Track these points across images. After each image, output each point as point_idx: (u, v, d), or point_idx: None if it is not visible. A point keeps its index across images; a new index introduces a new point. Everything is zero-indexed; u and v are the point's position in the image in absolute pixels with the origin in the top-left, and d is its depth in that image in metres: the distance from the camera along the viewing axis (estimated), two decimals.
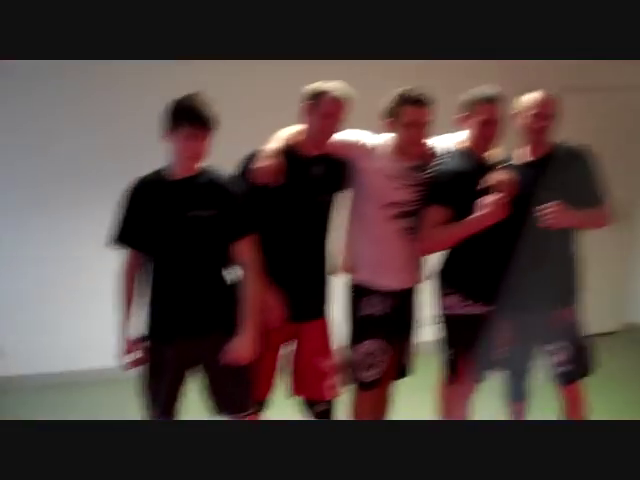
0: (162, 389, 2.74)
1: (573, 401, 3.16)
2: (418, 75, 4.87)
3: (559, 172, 3.08)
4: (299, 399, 3.07)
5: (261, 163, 2.84)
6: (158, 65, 4.51)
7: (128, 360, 2.79)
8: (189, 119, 2.63)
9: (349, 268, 3.13)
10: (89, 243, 4.60)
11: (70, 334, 4.75)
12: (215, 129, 2.68)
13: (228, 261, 2.82)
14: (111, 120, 4.88)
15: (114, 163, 4.79)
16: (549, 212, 2.93)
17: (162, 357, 2.73)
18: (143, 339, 2.78)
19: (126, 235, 2.79)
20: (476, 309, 3.05)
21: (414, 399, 3.58)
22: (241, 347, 2.72)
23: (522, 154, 3.20)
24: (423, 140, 2.98)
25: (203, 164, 2.76)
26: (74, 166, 4.80)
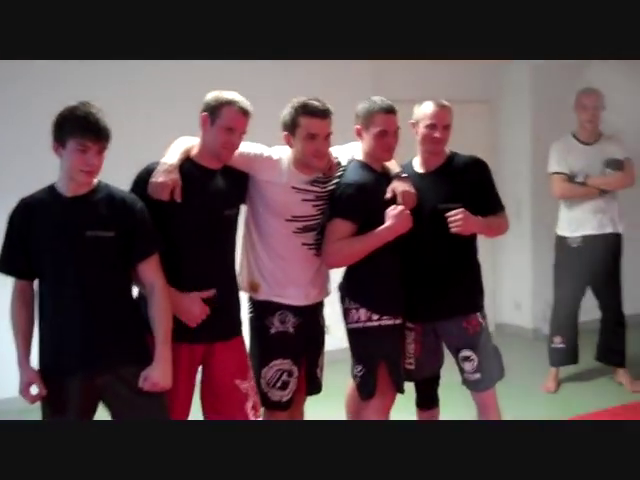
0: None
1: (485, 407, 3.18)
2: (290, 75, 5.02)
3: (458, 181, 3.12)
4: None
5: (158, 178, 2.66)
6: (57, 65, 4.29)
7: (30, 394, 2.52)
8: (81, 130, 2.41)
9: (251, 285, 3.01)
10: None
11: None
12: (109, 140, 2.49)
13: (130, 282, 2.63)
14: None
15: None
16: (456, 219, 2.95)
17: (64, 392, 2.48)
18: (43, 373, 2.52)
19: (12, 263, 2.54)
20: (383, 322, 3.00)
21: (324, 411, 3.50)
22: (158, 375, 2.51)
23: (420, 164, 3.22)
24: (325, 152, 2.90)
25: (97, 179, 2.56)
26: None
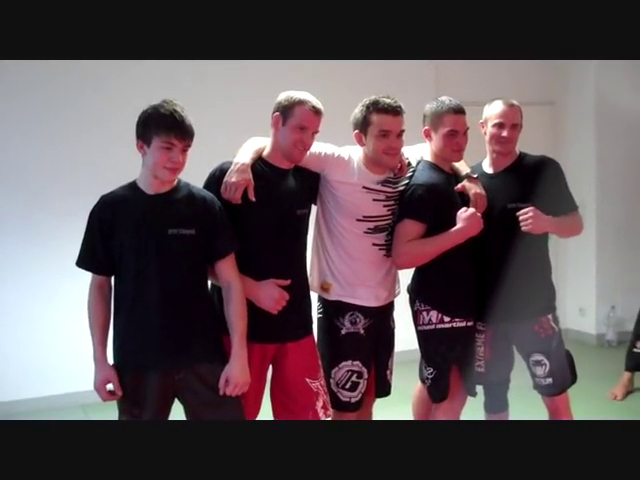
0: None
1: (557, 412, 3.12)
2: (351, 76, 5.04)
3: (528, 181, 3.06)
4: None
5: (232, 178, 2.67)
6: (127, 73, 4.39)
7: (105, 391, 2.53)
8: (166, 128, 2.43)
9: (322, 285, 2.99)
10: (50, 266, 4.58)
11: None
12: (193, 138, 2.50)
13: (207, 280, 2.66)
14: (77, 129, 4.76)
15: (81, 176, 4.70)
16: (527, 217, 2.90)
17: (141, 387, 2.50)
18: (120, 368, 2.54)
19: (92, 259, 2.56)
20: (454, 324, 2.97)
21: (393, 414, 3.45)
22: (238, 373, 2.52)
23: (489, 164, 3.18)
24: (397, 149, 2.88)
25: (178, 177, 2.58)
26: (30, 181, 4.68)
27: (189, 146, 2.50)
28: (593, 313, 6.07)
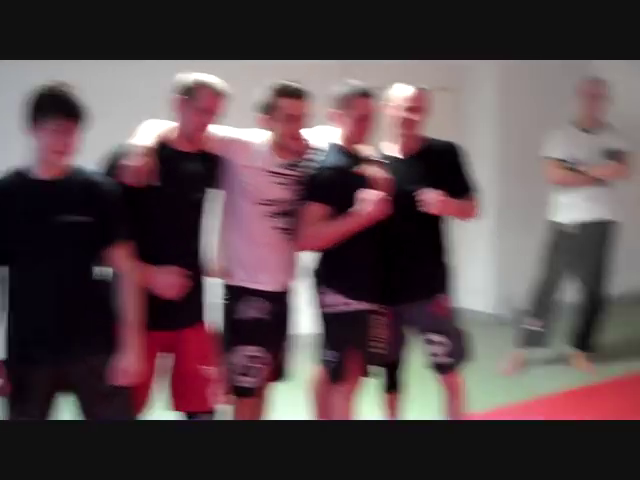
0: (30, 417, 2.42)
1: (451, 390, 3.23)
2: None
3: (433, 166, 3.13)
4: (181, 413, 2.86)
5: (132, 161, 2.60)
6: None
7: None
8: (55, 110, 2.33)
9: (224, 269, 2.99)
10: None
11: None
12: (83, 119, 2.40)
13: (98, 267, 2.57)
14: None
15: None
16: (428, 198, 2.97)
17: (29, 381, 2.41)
18: (9, 363, 2.43)
19: None
20: (355, 306, 3.01)
21: (289, 398, 3.50)
22: (128, 363, 2.48)
23: (393, 149, 3.21)
24: (301, 134, 2.89)
25: (70, 162, 2.47)
26: None
27: (80, 128, 2.39)
28: (489, 293, 6.25)
